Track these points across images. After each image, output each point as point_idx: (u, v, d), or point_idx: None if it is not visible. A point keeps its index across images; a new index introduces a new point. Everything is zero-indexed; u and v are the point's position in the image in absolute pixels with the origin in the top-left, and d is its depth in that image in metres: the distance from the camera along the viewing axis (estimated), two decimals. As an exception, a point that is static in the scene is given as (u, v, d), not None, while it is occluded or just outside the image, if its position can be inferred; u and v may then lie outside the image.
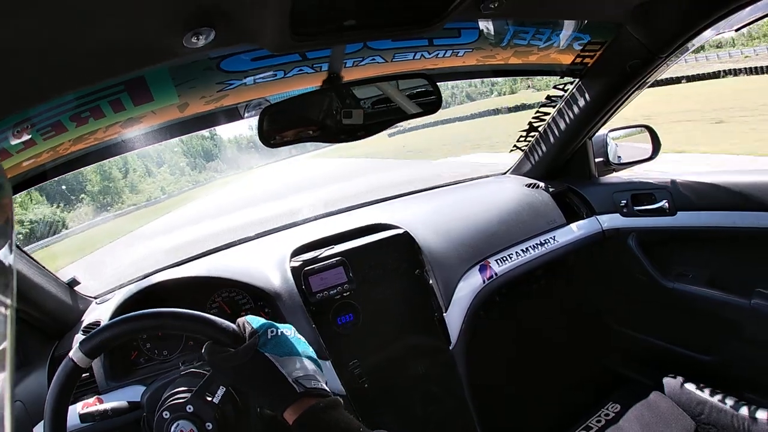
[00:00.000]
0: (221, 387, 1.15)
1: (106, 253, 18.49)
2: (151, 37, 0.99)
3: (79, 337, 1.61)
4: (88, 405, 1.24)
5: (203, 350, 1.12)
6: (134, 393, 1.49)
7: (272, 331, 1.15)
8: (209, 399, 1.14)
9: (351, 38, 1.26)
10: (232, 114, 1.82)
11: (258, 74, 1.53)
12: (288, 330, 1.16)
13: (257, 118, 1.49)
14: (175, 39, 0.99)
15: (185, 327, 1.17)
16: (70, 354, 1.11)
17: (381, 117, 1.52)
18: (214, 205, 31.13)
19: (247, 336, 1.13)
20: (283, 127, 1.49)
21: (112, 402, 1.26)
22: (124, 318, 1.15)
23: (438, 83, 1.56)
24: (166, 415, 1.14)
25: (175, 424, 1.12)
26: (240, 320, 1.17)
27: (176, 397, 1.18)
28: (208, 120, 1.79)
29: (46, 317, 1.73)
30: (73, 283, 1.89)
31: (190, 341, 1.73)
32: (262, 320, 1.17)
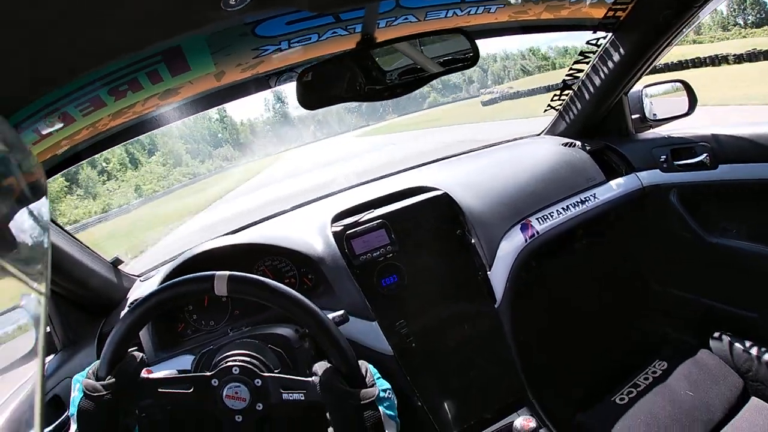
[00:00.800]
0: (300, 394, 1.17)
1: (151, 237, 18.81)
2: (189, 1, 0.99)
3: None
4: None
5: (321, 371, 1.17)
6: (184, 363, 1.52)
7: (389, 393, 1.21)
8: (282, 391, 1.16)
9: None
10: (265, 82, 1.83)
11: (293, 38, 1.52)
12: (395, 398, 1.20)
13: (293, 84, 1.50)
14: (213, 2, 0.99)
15: (321, 338, 1.19)
16: (216, 274, 1.17)
17: (417, 73, 1.52)
18: (255, 185, 31.44)
19: (367, 383, 1.17)
20: (321, 89, 1.50)
21: (164, 371, 1.30)
22: (282, 289, 1.20)
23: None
24: (235, 371, 1.16)
25: (235, 384, 1.15)
26: (363, 364, 1.20)
27: (242, 360, 1.21)
28: (243, 89, 1.81)
29: (91, 294, 1.77)
30: (117, 262, 1.93)
31: (236, 310, 1.76)
32: (380, 375, 1.23)
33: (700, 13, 1.94)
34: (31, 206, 0.50)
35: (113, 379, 1.11)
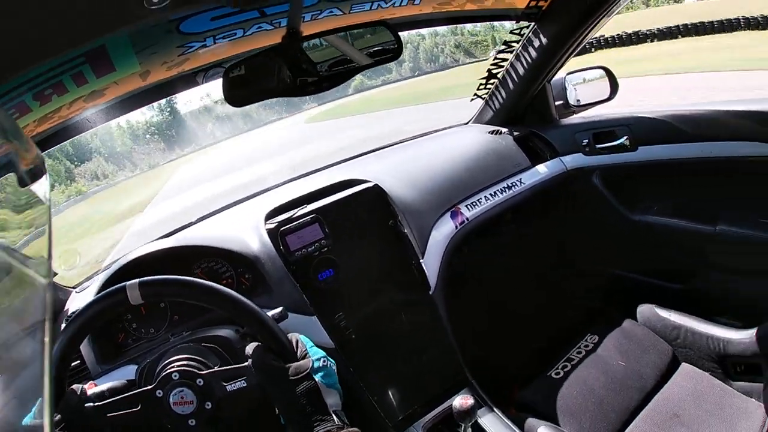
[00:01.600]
0: (242, 382, 1.19)
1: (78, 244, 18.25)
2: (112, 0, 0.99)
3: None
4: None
5: (251, 351, 1.20)
6: (128, 373, 1.51)
7: (324, 361, 1.23)
8: (224, 384, 1.18)
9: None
10: (193, 79, 1.82)
11: (218, 34, 1.51)
12: (333, 364, 1.22)
13: (219, 81, 1.50)
14: (135, 1, 0.99)
15: (241, 317, 1.25)
16: (127, 284, 1.17)
17: (343, 66, 1.55)
18: (183, 183, 30.86)
19: (299, 356, 1.20)
20: (247, 85, 1.50)
21: (107, 383, 1.29)
22: (194, 282, 1.23)
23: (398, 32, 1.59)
24: (175, 377, 1.17)
25: (179, 389, 1.16)
26: (293, 336, 1.21)
27: (181, 364, 1.22)
28: (170, 87, 1.79)
29: None
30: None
31: (176, 316, 1.74)
32: (312, 344, 1.26)
33: (618, 3, 2.02)
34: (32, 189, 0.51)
35: (59, 416, 1.10)
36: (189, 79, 1.81)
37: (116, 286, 1.20)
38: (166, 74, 1.69)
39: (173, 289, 1.23)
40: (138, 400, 1.18)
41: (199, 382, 1.17)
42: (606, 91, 2.62)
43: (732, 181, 2.14)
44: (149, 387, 1.17)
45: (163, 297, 1.21)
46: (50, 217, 0.55)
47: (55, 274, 1.90)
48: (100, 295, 1.21)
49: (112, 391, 1.29)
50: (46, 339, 0.47)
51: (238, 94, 1.49)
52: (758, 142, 1.92)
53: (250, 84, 1.51)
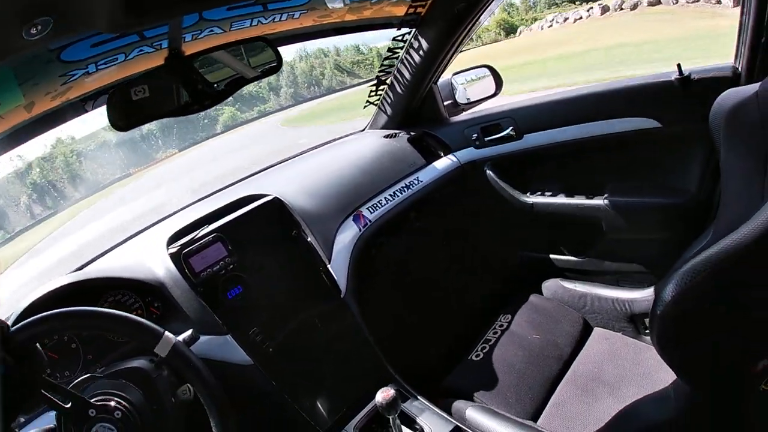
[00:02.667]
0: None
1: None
2: None
3: None
4: None
5: None
6: (48, 421, 1.47)
7: None
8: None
9: (183, 9, 1.30)
10: (81, 107, 1.79)
11: (100, 60, 1.52)
12: None
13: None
14: (13, 33, 1.00)
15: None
16: None
17: (225, 83, 1.59)
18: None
19: None
20: (131, 108, 1.52)
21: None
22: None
23: (279, 47, 1.65)
24: (92, 413, 1.16)
25: (99, 425, 1.16)
26: None
27: (98, 400, 1.20)
28: (58, 116, 1.76)
29: None
30: None
31: (89, 355, 1.68)
32: None
33: (491, 5, 2.16)
34: None
35: None
36: (76, 107, 1.78)
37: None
38: (51, 104, 1.67)
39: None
40: None
41: (117, 414, 1.17)
42: (491, 88, 2.78)
43: (612, 156, 2.30)
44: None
45: (38, 338, 1.19)
46: None
47: None
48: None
49: None
50: None
51: (122, 118, 1.51)
52: (631, 118, 2.09)
53: (133, 109, 1.52)
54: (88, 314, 1.26)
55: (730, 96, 1.43)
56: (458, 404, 1.90)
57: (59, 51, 1.37)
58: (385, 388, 1.61)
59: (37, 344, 1.19)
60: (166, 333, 1.27)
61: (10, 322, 1.57)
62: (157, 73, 1.52)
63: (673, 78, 1.92)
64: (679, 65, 1.91)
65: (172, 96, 1.53)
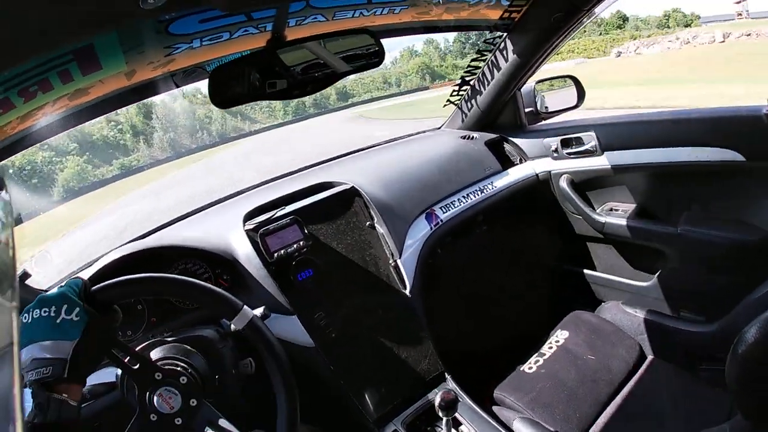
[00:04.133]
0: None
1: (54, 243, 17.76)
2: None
3: None
4: None
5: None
6: (108, 376, 1.50)
7: None
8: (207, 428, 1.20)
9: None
10: (171, 82, 1.82)
11: (205, 36, 1.54)
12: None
13: (206, 82, 1.53)
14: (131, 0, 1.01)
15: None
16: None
17: (326, 71, 1.59)
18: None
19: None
20: (233, 87, 1.53)
21: (88, 385, 1.30)
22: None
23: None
24: (158, 376, 1.18)
25: (163, 388, 1.18)
26: None
27: (163, 363, 1.23)
28: (154, 87, 1.79)
29: None
30: (24, 276, 1.84)
31: (153, 318, 1.73)
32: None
33: (587, 16, 2.11)
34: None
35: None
36: (170, 81, 1.81)
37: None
38: (151, 74, 1.70)
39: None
40: (122, 400, 1.21)
41: (183, 380, 1.19)
42: (573, 99, 2.73)
43: (692, 185, 2.23)
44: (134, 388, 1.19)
45: (120, 298, 1.21)
46: (13, 237, 0.53)
47: (29, 275, 1.87)
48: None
49: (93, 393, 1.31)
50: (15, 364, 0.46)
51: (222, 96, 1.53)
52: (716, 148, 2.01)
53: (234, 87, 1.54)
54: (172, 281, 1.30)
55: None
56: (506, 413, 1.90)
57: (168, 23, 1.38)
58: (445, 387, 1.62)
59: (116, 305, 1.21)
60: (245, 307, 1.30)
61: (92, 271, 1.63)
62: (260, 54, 1.52)
63: (763, 112, 1.85)
64: None
65: (271, 79, 1.53)
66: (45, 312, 1.04)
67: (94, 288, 1.17)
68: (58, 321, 1.04)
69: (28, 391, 0.98)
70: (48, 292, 1.10)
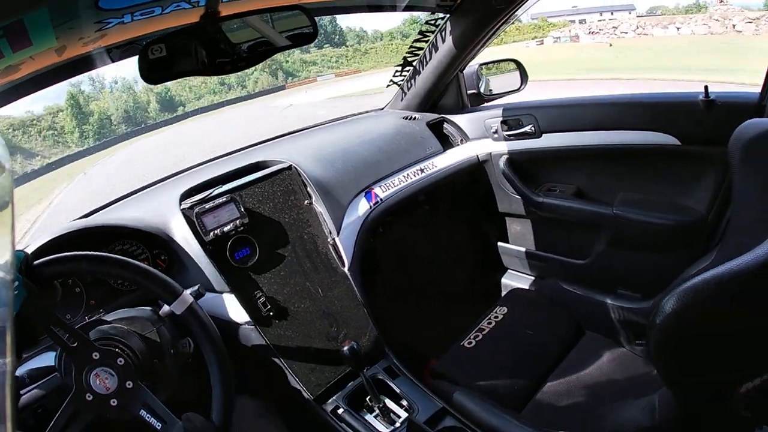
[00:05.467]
0: (158, 424, 1.22)
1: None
2: None
3: None
4: None
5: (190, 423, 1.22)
6: (46, 360, 1.48)
7: None
8: (141, 408, 1.22)
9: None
10: (106, 57, 1.80)
11: (136, 11, 1.51)
12: None
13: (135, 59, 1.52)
14: None
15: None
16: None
17: (260, 47, 1.60)
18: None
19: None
20: (164, 63, 1.53)
21: (25, 369, 1.30)
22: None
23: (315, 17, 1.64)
24: (95, 356, 1.19)
25: (100, 368, 1.19)
26: None
27: (101, 343, 1.23)
28: (84, 64, 1.76)
29: None
30: None
31: (92, 300, 1.72)
32: None
33: (526, 1, 2.15)
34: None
35: None
36: (102, 57, 1.78)
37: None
38: (82, 50, 1.67)
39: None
40: (61, 384, 1.21)
41: (120, 361, 1.19)
42: (516, 82, 2.78)
43: (629, 167, 2.30)
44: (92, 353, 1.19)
45: (62, 275, 1.22)
46: (12, 210, 0.55)
47: None
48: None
49: (31, 378, 1.31)
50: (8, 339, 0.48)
51: (154, 72, 1.52)
52: (653, 132, 2.08)
53: (167, 63, 1.53)
54: (117, 262, 1.31)
55: (752, 125, 1.43)
56: (446, 386, 1.94)
57: (98, -3, 1.37)
58: (385, 363, 1.66)
59: (55, 282, 1.22)
60: (185, 292, 1.32)
61: (31, 249, 1.61)
62: (192, 29, 1.52)
63: (699, 98, 1.92)
64: (706, 87, 1.91)
65: (203, 55, 1.53)
66: None
67: (36, 262, 1.18)
68: None
69: None
70: None
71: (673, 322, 1.15)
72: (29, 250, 1.62)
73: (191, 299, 1.32)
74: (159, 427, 1.19)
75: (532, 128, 2.46)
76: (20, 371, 1.27)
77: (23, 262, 1.12)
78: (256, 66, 1.67)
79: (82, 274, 1.46)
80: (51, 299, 1.21)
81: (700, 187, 2.08)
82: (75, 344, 1.18)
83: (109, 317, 1.36)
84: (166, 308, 1.37)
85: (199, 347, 1.34)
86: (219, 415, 1.29)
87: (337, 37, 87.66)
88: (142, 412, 1.20)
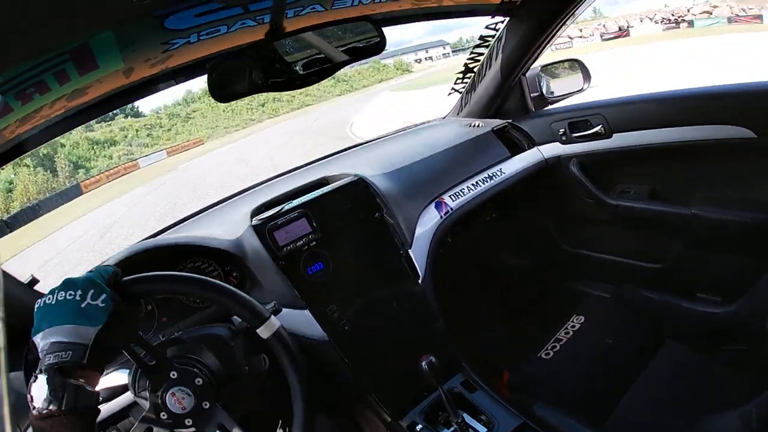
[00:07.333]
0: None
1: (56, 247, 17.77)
2: None
3: None
4: None
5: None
6: (120, 377, 1.49)
7: None
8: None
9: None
10: (171, 78, 1.81)
11: (202, 30, 1.51)
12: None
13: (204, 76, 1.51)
14: None
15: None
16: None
17: (324, 63, 1.57)
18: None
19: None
20: (232, 81, 1.51)
21: (102, 386, 1.28)
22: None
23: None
24: (173, 375, 1.18)
25: (177, 388, 1.17)
26: None
27: (177, 362, 1.22)
28: (153, 84, 1.77)
29: (10, 321, 1.68)
30: (33, 282, 1.82)
31: (163, 317, 1.73)
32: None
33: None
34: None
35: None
36: (170, 77, 1.80)
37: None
38: (149, 71, 1.68)
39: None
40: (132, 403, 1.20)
41: (198, 381, 1.18)
42: (579, 83, 2.70)
43: (704, 164, 2.20)
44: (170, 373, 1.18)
45: (148, 294, 1.21)
46: None
47: (37, 281, 1.85)
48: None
49: (106, 396, 1.30)
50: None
51: (222, 90, 1.51)
52: (727, 125, 1.97)
53: (232, 81, 1.53)
54: (206, 284, 1.28)
55: None
56: (525, 400, 1.91)
57: (163, 18, 1.36)
58: (463, 377, 1.62)
59: (142, 300, 1.21)
60: (272, 317, 1.29)
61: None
62: (258, 46, 1.50)
63: None
64: None
65: (272, 71, 1.51)
66: (70, 295, 1.01)
67: (125, 279, 1.17)
68: (83, 305, 1.01)
69: (42, 377, 0.95)
70: (76, 277, 1.07)
71: None
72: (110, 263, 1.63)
73: (278, 324, 1.29)
74: None
75: (602, 128, 2.38)
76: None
77: (111, 276, 1.11)
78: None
79: (169, 294, 1.44)
80: (136, 314, 1.20)
81: None
82: (153, 363, 1.17)
83: (185, 335, 1.35)
84: (238, 323, 1.37)
85: (279, 365, 1.31)
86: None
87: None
88: None
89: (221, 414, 1.19)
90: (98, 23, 1.14)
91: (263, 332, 1.27)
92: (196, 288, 1.27)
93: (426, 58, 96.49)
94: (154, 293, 1.25)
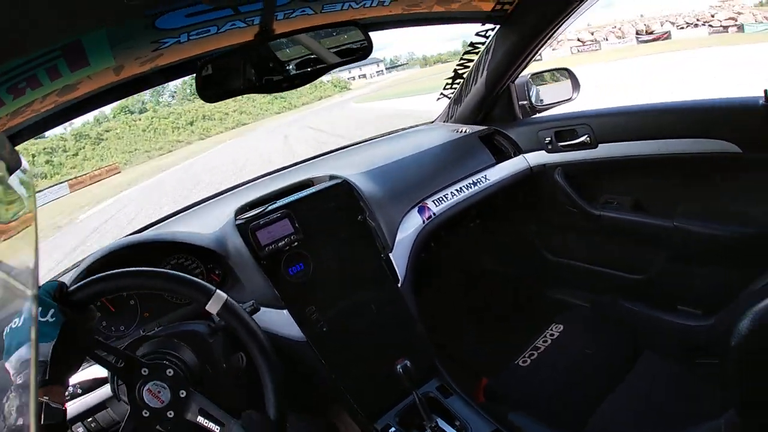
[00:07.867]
0: (216, 428, 1.21)
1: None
2: None
3: None
4: None
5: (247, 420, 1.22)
6: (98, 371, 1.50)
7: None
8: (198, 415, 1.20)
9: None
10: (162, 76, 1.82)
11: (192, 30, 1.53)
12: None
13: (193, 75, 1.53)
14: None
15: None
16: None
17: (315, 64, 1.59)
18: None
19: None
20: (220, 81, 1.53)
21: (77, 380, 1.30)
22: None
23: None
24: (144, 371, 1.18)
25: (152, 383, 1.18)
26: None
27: (151, 358, 1.23)
28: (143, 82, 1.79)
29: None
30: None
31: (146, 312, 1.74)
32: None
33: (579, 8, 2.10)
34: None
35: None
36: (159, 76, 1.81)
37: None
38: (139, 69, 1.70)
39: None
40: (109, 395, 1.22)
41: (169, 372, 1.19)
42: (568, 92, 2.72)
43: (688, 177, 2.22)
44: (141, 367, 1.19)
45: (93, 297, 1.22)
46: (36, 226, 0.53)
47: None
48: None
49: (84, 388, 1.32)
50: (32, 352, 0.48)
51: (210, 91, 1.53)
52: (712, 139, 1.99)
53: (221, 81, 1.54)
54: (148, 274, 1.30)
55: None
56: (501, 408, 1.90)
57: (154, 18, 1.38)
58: (438, 382, 1.64)
59: (92, 305, 1.22)
60: (218, 291, 1.29)
61: (68, 280, 1.62)
62: (247, 48, 1.52)
63: (759, 103, 1.83)
64: (765, 91, 1.82)
65: (259, 73, 1.53)
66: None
67: (70, 288, 1.17)
68: None
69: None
70: None
71: (746, 343, 1.11)
72: (82, 267, 1.67)
73: (225, 296, 1.30)
74: (218, 430, 1.19)
75: (588, 138, 2.40)
76: (72, 381, 1.27)
77: (57, 290, 1.12)
78: None
79: (114, 293, 1.45)
80: (89, 321, 1.21)
81: (763, 197, 1.99)
82: (122, 364, 1.18)
83: (163, 332, 1.36)
84: (218, 320, 1.36)
85: (246, 347, 1.33)
86: (274, 410, 1.28)
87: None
88: (200, 419, 1.19)
89: (199, 398, 1.20)
90: (90, 22, 1.16)
91: (212, 307, 1.28)
92: (138, 280, 1.29)
93: (360, 76, 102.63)
94: (100, 295, 1.25)
